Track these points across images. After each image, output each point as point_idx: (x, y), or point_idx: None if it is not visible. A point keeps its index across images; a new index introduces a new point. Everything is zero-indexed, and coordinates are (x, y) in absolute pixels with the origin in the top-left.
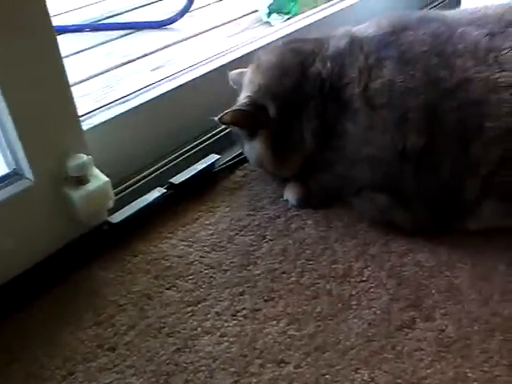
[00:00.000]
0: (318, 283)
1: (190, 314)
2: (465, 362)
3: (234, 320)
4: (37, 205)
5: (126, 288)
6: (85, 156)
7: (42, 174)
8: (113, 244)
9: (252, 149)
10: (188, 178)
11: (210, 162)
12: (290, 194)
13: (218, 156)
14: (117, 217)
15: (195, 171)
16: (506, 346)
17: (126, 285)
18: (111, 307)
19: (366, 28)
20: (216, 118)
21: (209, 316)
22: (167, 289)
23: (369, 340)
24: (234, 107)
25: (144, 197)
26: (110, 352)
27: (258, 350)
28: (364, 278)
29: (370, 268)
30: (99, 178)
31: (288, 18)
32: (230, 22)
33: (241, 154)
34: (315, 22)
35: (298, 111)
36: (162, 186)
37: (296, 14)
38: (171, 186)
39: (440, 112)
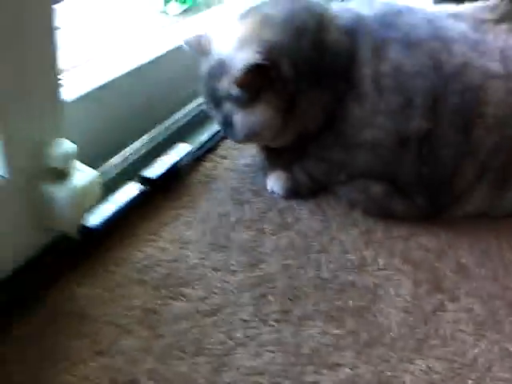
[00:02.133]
0: (338, 275)
1: (212, 325)
2: (502, 337)
3: (267, 326)
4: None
5: (121, 305)
6: (68, 142)
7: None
8: (89, 253)
9: (249, 115)
10: (163, 173)
11: (183, 154)
12: (277, 185)
13: (190, 146)
14: (93, 220)
15: (169, 164)
16: None
17: (119, 301)
18: (109, 330)
19: (358, 7)
20: (233, 82)
21: (236, 325)
22: (173, 299)
23: (411, 328)
24: (246, 63)
25: (118, 194)
26: None
27: (306, 355)
28: (381, 266)
29: (381, 255)
30: (84, 171)
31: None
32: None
33: (206, 142)
34: None
35: (312, 77)
36: (128, 177)
37: (195, 5)
38: (145, 181)
39: (444, 96)
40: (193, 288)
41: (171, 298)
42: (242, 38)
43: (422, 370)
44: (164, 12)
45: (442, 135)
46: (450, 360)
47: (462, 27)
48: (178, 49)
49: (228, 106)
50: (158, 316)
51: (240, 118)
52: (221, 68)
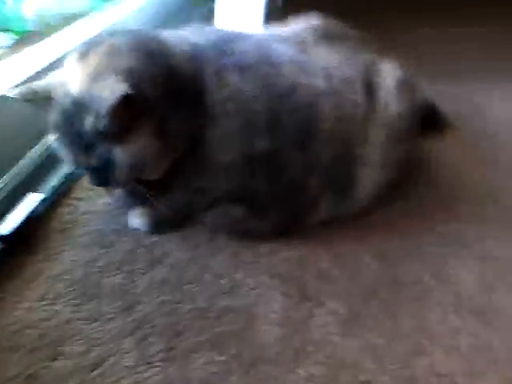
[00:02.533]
0: (214, 303)
1: (99, 378)
2: (365, 331)
3: (153, 368)
4: None
5: None
6: None
7: None
8: None
9: (128, 147)
10: (17, 227)
11: (35, 204)
12: (140, 221)
13: (42, 195)
14: None
15: (21, 217)
16: (384, 307)
17: None
18: None
19: (190, 36)
20: (103, 117)
21: (122, 373)
22: (53, 360)
23: (288, 340)
24: (116, 93)
25: None
26: None
27: None
28: (252, 286)
29: (250, 274)
30: None
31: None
32: None
33: (59, 187)
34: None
35: (171, 102)
36: None
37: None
38: None
39: (280, 116)
40: (70, 345)
41: (50, 359)
42: (93, 72)
43: (304, 378)
44: None
45: (284, 154)
46: (325, 363)
47: (288, 50)
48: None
49: (102, 147)
50: (40, 381)
51: (120, 153)
52: (79, 109)
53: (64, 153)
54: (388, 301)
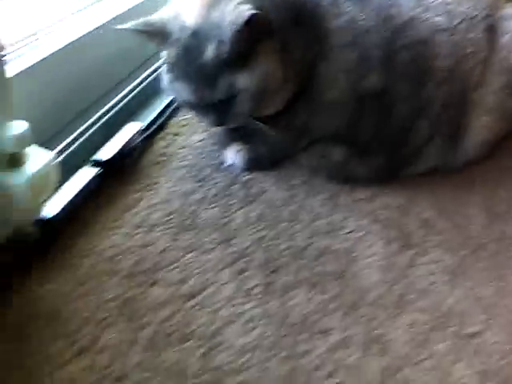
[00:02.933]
0: (313, 242)
1: (196, 307)
2: (474, 283)
3: (252, 300)
4: None
5: (95, 299)
6: (23, 123)
7: None
8: (51, 247)
9: (253, 71)
10: (116, 153)
11: (133, 132)
12: (237, 158)
13: (140, 124)
14: (49, 210)
15: (120, 145)
16: (493, 261)
17: (92, 295)
18: (86, 327)
19: None
20: (231, 33)
21: (220, 304)
22: (150, 286)
23: (389, 286)
24: (244, 14)
25: (73, 179)
26: (120, 382)
27: (296, 324)
28: (351, 229)
29: (350, 218)
30: (40, 155)
31: None
32: None
33: (156, 120)
34: None
35: (291, 27)
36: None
37: None
38: (97, 164)
39: (395, 51)
40: (168, 272)
41: (147, 284)
42: (210, 1)
43: (407, 324)
44: None
45: (396, 91)
46: (430, 311)
47: None
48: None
49: (226, 77)
50: (137, 305)
51: (245, 79)
52: (198, 39)
53: (183, 90)
54: (497, 255)
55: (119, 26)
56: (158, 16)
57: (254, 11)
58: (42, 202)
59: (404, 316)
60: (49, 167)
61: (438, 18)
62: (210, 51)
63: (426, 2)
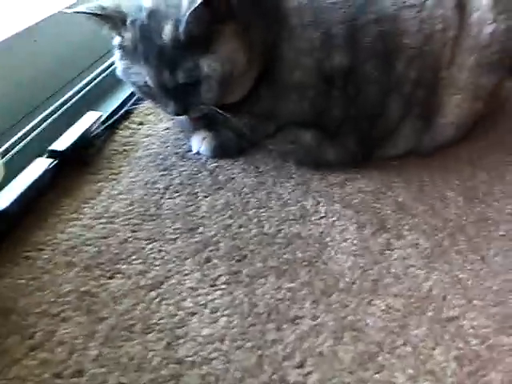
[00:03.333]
0: (282, 229)
1: (158, 298)
2: (451, 267)
3: (217, 290)
4: None
5: (51, 292)
6: None
7: None
8: (4, 239)
9: (215, 54)
10: (73, 143)
11: (92, 122)
12: (203, 145)
13: (100, 113)
14: (1, 202)
15: (78, 134)
16: (472, 244)
17: (48, 288)
18: (43, 322)
19: None
20: (186, 13)
21: (183, 295)
22: (110, 278)
23: (363, 270)
24: None
25: (27, 171)
26: (77, 377)
27: (263, 313)
28: (322, 214)
29: (322, 203)
30: None
31: None
32: None
33: (119, 108)
34: None
35: (251, 8)
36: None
37: None
38: (54, 154)
39: (359, 27)
40: (129, 263)
41: (107, 276)
42: None
43: (382, 310)
44: None
45: (363, 70)
46: (406, 296)
47: None
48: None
49: (188, 60)
50: (95, 298)
51: (209, 63)
52: (156, 20)
53: (142, 75)
54: (476, 238)
55: (70, 10)
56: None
57: None
58: None
59: (378, 302)
60: None
61: None
62: (167, 31)
63: None
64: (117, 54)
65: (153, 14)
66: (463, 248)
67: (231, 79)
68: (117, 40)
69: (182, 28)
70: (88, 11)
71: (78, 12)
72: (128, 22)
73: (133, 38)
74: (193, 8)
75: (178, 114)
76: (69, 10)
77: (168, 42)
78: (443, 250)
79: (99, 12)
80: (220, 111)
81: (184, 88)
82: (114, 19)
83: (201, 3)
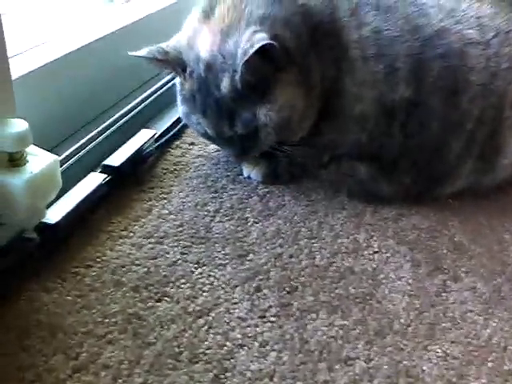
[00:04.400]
0: (335, 262)
1: (205, 326)
2: (511, 314)
3: (267, 322)
4: None
5: (98, 312)
6: (22, 122)
7: None
8: (54, 254)
9: (272, 103)
10: (127, 160)
11: (146, 139)
12: (255, 170)
13: (154, 131)
14: (53, 215)
15: (133, 150)
16: None
17: (95, 308)
18: (89, 342)
19: None
20: (241, 63)
21: (232, 324)
22: (158, 301)
23: (419, 312)
24: (256, 44)
25: (80, 185)
26: None
27: (315, 351)
28: (376, 249)
29: (375, 238)
30: (42, 156)
31: None
32: None
33: (172, 127)
34: None
35: (310, 47)
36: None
37: None
38: (108, 170)
39: (425, 61)
40: (177, 287)
41: (154, 299)
42: (224, 29)
43: (439, 356)
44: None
45: (427, 105)
46: (464, 343)
47: None
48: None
49: (245, 111)
50: (142, 321)
51: (265, 112)
52: (213, 72)
53: (201, 124)
54: None
55: (132, 53)
56: (171, 43)
57: (265, 41)
58: (44, 206)
59: (435, 347)
60: (51, 169)
61: (469, 31)
62: (225, 83)
63: (456, 14)
64: (178, 97)
65: (210, 65)
66: None
67: (290, 124)
68: (178, 80)
69: (237, 78)
70: (149, 56)
71: (139, 56)
72: (187, 72)
73: (191, 88)
74: (246, 58)
75: (239, 158)
76: (131, 53)
77: (226, 94)
78: (502, 295)
79: (160, 58)
80: (280, 148)
81: (244, 136)
82: (174, 66)
83: (254, 53)
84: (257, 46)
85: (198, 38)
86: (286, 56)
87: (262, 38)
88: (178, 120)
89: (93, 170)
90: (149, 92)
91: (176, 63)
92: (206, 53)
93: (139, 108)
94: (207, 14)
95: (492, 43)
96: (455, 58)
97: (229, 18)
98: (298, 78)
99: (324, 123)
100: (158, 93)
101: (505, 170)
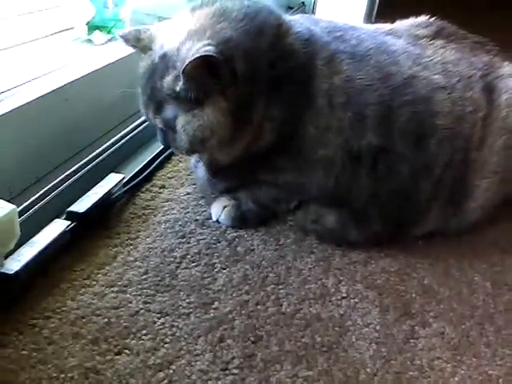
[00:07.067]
0: (302, 308)
1: (165, 380)
2: (480, 360)
3: (229, 375)
4: None
5: (54, 366)
6: None
7: None
8: (11, 305)
9: (194, 118)
10: (93, 206)
11: (114, 184)
12: (223, 214)
13: (122, 175)
14: (12, 265)
15: (99, 196)
16: (501, 335)
17: (52, 362)
18: None
19: (304, 21)
20: (180, 74)
21: (193, 377)
22: (117, 353)
23: (386, 361)
24: (197, 54)
25: (42, 233)
26: None
27: None
28: (344, 295)
29: (343, 282)
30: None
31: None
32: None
33: (142, 171)
34: None
35: (271, 83)
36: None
37: None
38: (72, 217)
39: (394, 108)
40: (138, 338)
41: (114, 352)
42: (192, 30)
43: None
44: (89, 41)
45: (395, 150)
46: None
47: (401, 42)
48: (107, 68)
49: (170, 109)
50: (99, 376)
51: (183, 122)
52: (164, 63)
53: (139, 100)
54: (505, 329)
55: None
56: (150, 30)
57: (210, 53)
58: (2, 256)
59: None
60: (8, 219)
61: (436, 76)
62: (168, 78)
63: (423, 61)
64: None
65: (165, 57)
66: (492, 340)
67: (204, 144)
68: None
69: (177, 82)
70: (125, 39)
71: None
72: (150, 52)
73: (144, 68)
74: (187, 62)
75: (162, 145)
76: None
77: (164, 87)
78: (471, 341)
79: (133, 43)
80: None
81: (164, 130)
82: (144, 49)
83: (199, 63)
84: (197, 55)
85: (173, 31)
86: (230, 79)
87: (207, 50)
88: (149, 163)
89: (58, 216)
90: (117, 137)
91: (145, 48)
92: (168, 44)
93: (107, 153)
94: (194, 10)
95: (457, 87)
96: (423, 104)
97: (200, 23)
98: (232, 108)
99: (281, 161)
100: (127, 137)
101: (473, 214)
